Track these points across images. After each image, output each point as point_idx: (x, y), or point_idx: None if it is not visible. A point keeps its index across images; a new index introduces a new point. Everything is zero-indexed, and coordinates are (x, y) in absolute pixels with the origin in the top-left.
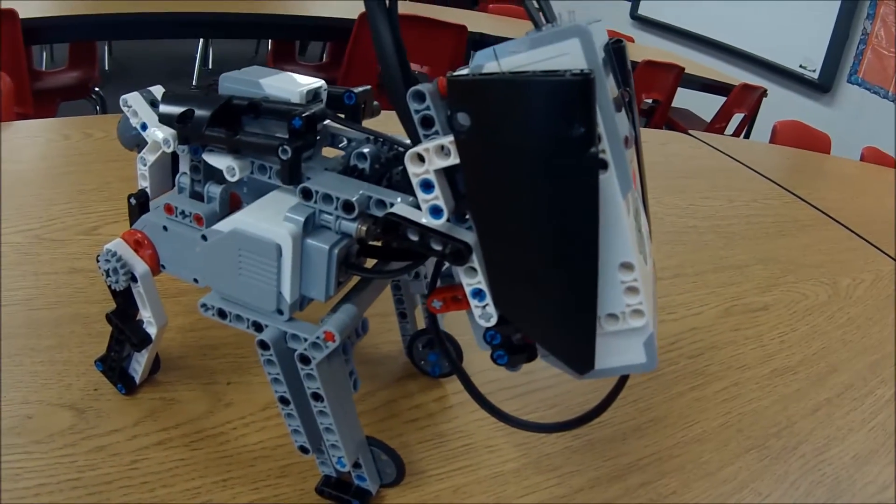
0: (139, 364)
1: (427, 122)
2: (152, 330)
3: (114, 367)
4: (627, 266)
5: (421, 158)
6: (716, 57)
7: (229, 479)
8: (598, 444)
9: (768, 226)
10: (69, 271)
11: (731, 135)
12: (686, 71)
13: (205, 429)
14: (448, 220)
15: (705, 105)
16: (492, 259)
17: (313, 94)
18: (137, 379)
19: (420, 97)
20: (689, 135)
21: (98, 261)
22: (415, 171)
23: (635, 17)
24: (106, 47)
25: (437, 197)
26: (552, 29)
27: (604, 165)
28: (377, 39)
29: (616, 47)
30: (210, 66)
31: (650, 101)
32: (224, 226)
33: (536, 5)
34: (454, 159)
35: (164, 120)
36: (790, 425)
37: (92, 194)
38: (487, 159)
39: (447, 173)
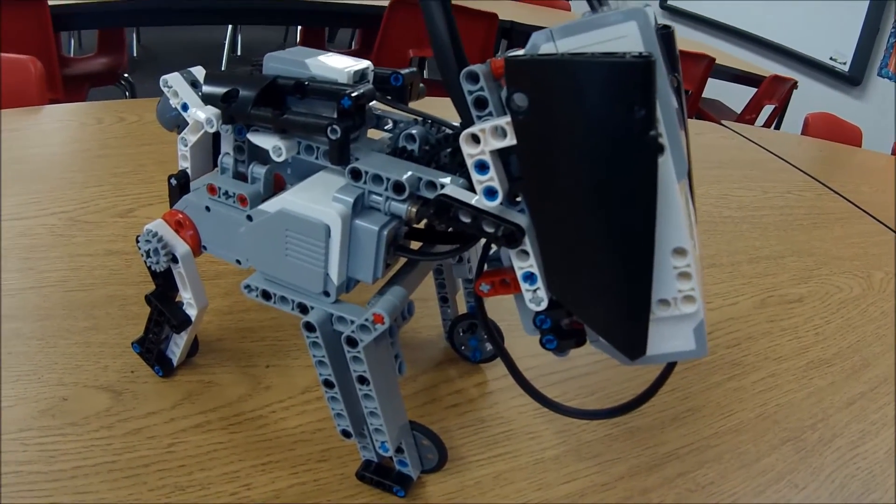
0: (177, 346)
1: (481, 104)
2: (192, 311)
3: (151, 349)
4: (681, 251)
5: (476, 139)
6: (746, 48)
7: (268, 463)
8: (638, 433)
9: (802, 217)
10: (105, 253)
11: (762, 126)
12: (716, 62)
13: (243, 412)
14: (501, 203)
15: (735, 96)
16: (546, 242)
17: (360, 75)
18: (175, 361)
19: (474, 78)
20: (722, 125)
21: (138, 241)
22: (470, 152)
23: (665, 6)
24: (134, 34)
25: (493, 178)
26: (610, 11)
27: (661, 149)
28: (430, 20)
29: (664, 33)
30: (239, 53)
31: None
32: (271, 206)
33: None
34: (510, 140)
35: (209, 99)
36: (825, 418)
37: (126, 177)
38: (545, 141)
39: (500, 155)
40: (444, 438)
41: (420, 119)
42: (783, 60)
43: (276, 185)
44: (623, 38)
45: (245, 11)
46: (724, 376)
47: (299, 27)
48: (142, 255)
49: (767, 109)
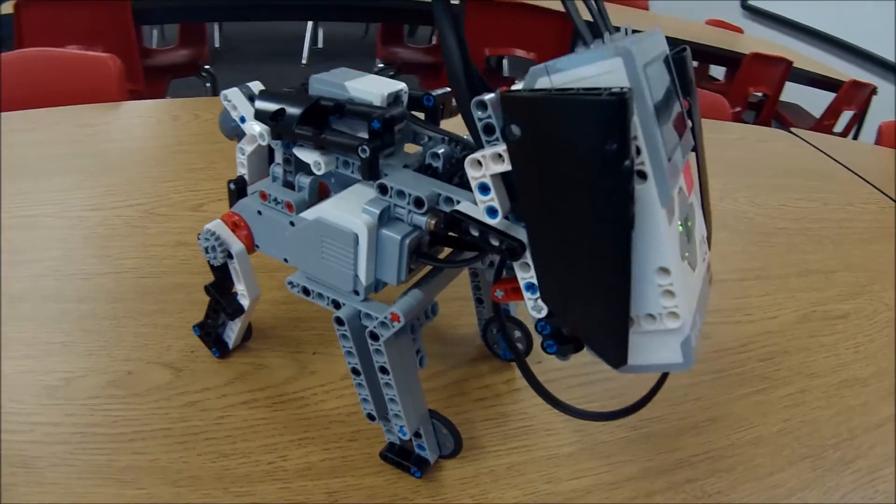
0: (233, 331)
1: (489, 129)
2: (245, 302)
3: (210, 332)
4: (664, 270)
5: (479, 163)
6: (826, 51)
7: (304, 439)
8: (654, 437)
9: (861, 231)
10: (175, 244)
11: (840, 133)
12: (794, 65)
13: (287, 393)
14: (507, 219)
15: (816, 100)
16: (539, 256)
17: (394, 97)
18: (230, 345)
19: (483, 106)
20: (791, 132)
21: (199, 238)
22: (473, 175)
23: (746, 6)
24: (216, 25)
25: (493, 199)
26: (599, 48)
27: (642, 176)
28: (444, 46)
29: (677, 57)
30: (320, 46)
31: (759, 94)
32: (310, 214)
33: (590, 18)
34: (507, 166)
35: (260, 116)
36: (851, 438)
37: (199, 173)
38: (535, 167)
39: (504, 176)
40: (467, 428)
41: (446, 138)
42: (864, 64)
43: (320, 193)
44: (610, 73)
45: (325, 8)
46: (751, 389)
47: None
48: (202, 251)
49: (846, 115)
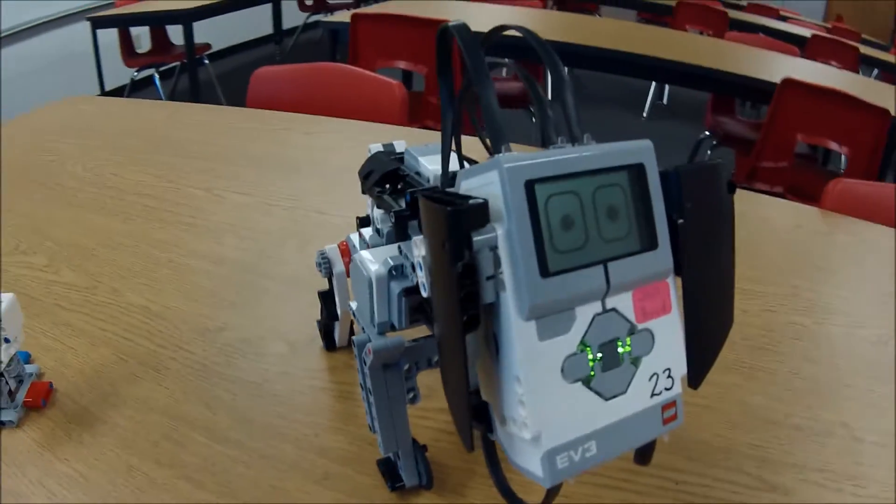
0: (337, 332)
1: None
2: (338, 312)
3: (322, 328)
4: (518, 380)
5: (419, 245)
6: None
7: (345, 427)
8: None
9: None
10: None
11: None
12: None
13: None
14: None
15: None
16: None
17: (453, 175)
18: (336, 342)
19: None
20: None
21: (316, 254)
22: (416, 254)
23: None
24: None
25: (423, 276)
26: (487, 161)
27: (501, 285)
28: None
29: (664, 173)
30: (664, 102)
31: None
32: (356, 256)
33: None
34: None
35: (360, 173)
36: None
37: None
38: (427, 256)
39: None
40: (457, 466)
41: None
42: None
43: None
44: (490, 184)
45: (667, 72)
46: None
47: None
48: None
49: None
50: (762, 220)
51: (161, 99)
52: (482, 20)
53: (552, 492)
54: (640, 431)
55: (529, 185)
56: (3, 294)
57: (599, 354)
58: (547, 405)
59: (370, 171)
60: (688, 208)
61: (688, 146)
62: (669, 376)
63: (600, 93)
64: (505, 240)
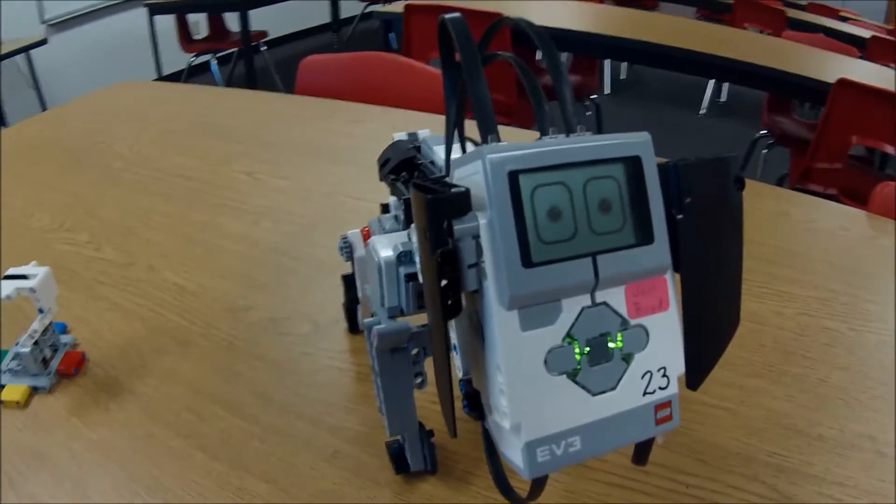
0: (360, 315)
1: None
2: (360, 294)
3: (345, 310)
4: (499, 368)
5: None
6: None
7: (356, 407)
8: None
9: None
10: None
11: None
12: None
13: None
14: None
15: None
16: None
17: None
18: (359, 325)
19: None
20: None
21: (339, 238)
22: (413, 241)
23: None
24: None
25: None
26: (473, 151)
27: (483, 275)
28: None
29: (662, 167)
30: (722, 100)
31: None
32: (370, 240)
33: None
34: None
35: (378, 160)
36: None
37: None
38: (417, 242)
39: None
40: (465, 454)
41: None
42: None
43: None
44: (476, 174)
45: (721, 69)
46: None
47: None
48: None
49: None
50: (806, 221)
51: (217, 84)
52: (538, 14)
53: (536, 485)
54: (630, 430)
55: (513, 176)
56: (39, 268)
57: (587, 348)
58: (528, 396)
59: (387, 158)
60: (687, 203)
61: (744, 145)
62: (665, 375)
63: (658, 89)
64: (487, 229)
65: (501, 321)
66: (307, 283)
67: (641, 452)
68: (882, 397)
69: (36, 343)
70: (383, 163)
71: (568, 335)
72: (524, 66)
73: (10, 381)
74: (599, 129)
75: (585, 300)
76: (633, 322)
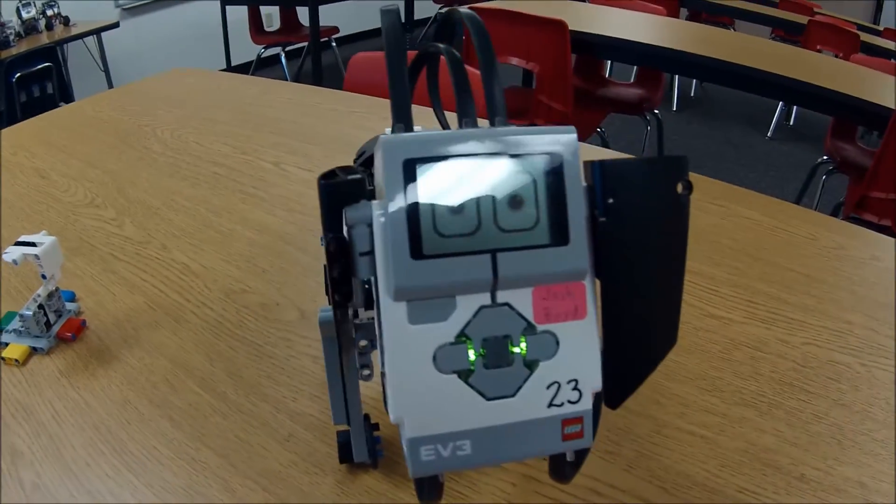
0: None
1: None
2: None
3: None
4: (383, 361)
5: None
6: None
7: (318, 394)
8: None
9: None
10: None
11: None
12: None
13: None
14: None
15: None
16: None
17: None
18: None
19: None
20: None
21: None
22: None
23: None
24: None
25: None
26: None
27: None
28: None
29: (591, 165)
30: (790, 123)
31: None
32: None
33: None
34: None
35: (356, 153)
36: None
37: None
38: None
39: None
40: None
41: None
42: None
43: None
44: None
45: (790, 91)
46: None
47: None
48: None
49: None
50: (834, 247)
51: (285, 78)
52: (601, 22)
53: (420, 484)
54: (532, 442)
55: (409, 164)
56: (47, 237)
57: (482, 350)
58: (411, 392)
59: (363, 151)
60: (610, 205)
61: (807, 170)
62: (576, 388)
63: (727, 109)
64: (378, 217)
65: (388, 312)
66: (306, 273)
67: (556, 467)
68: (883, 441)
69: (40, 307)
70: (358, 156)
71: (462, 334)
72: (455, 57)
73: (13, 340)
74: (660, 143)
75: (484, 299)
76: (540, 328)
